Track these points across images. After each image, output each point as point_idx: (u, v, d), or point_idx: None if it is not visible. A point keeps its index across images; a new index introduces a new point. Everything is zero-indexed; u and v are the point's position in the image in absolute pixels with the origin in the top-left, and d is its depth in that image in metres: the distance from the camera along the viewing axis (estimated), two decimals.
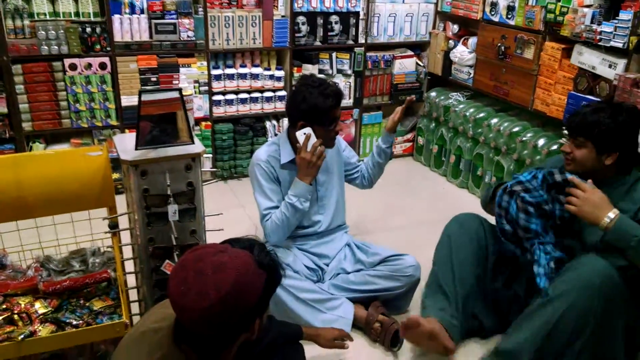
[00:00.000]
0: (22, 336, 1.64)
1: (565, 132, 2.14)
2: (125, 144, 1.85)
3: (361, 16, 3.89)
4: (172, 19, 3.38)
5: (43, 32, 3.13)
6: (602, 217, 1.80)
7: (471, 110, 3.77)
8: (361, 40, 3.96)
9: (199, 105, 3.64)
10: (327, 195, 2.52)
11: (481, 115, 3.69)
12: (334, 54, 3.91)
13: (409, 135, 4.42)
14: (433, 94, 4.15)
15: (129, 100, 3.44)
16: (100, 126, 3.45)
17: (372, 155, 2.63)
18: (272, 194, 2.39)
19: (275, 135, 3.94)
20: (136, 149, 1.75)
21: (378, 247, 2.53)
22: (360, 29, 3.92)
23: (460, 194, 3.85)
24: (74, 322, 1.74)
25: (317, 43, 3.86)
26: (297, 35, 3.74)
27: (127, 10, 3.31)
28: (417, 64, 4.21)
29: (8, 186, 1.89)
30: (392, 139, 2.59)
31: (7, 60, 3.10)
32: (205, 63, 3.56)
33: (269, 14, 3.63)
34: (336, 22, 3.84)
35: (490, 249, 2.25)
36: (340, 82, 3.99)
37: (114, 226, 1.97)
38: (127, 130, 3.51)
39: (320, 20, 3.79)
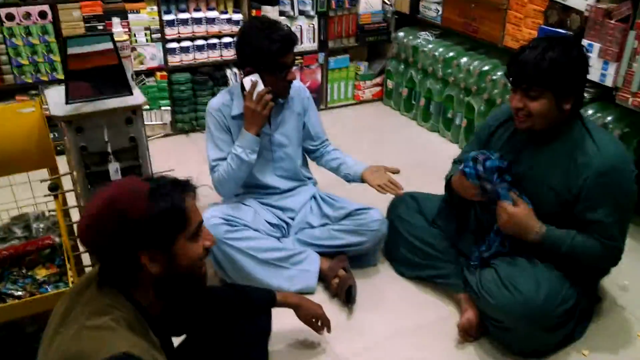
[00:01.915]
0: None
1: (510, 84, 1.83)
2: (59, 98, 1.69)
3: None
4: None
5: None
6: (529, 235, 1.83)
7: (440, 50, 3.61)
8: None
9: (153, 54, 3.43)
10: (285, 157, 2.38)
11: (450, 54, 3.55)
12: None
13: (378, 79, 4.26)
14: (401, 34, 3.97)
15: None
16: (47, 80, 3.21)
17: (338, 169, 2.47)
18: (222, 144, 2.26)
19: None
20: (67, 103, 1.58)
21: (344, 200, 2.42)
22: None
23: (430, 137, 3.75)
24: (16, 294, 1.62)
25: None
26: None
27: None
28: (383, 2, 4.00)
29: None
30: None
31: None
32: (155, 8, 3.32)
33: None
34: None
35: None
36: (303, 24, 3.78)
37: (54, 188, 1.82)
38: None
39: None
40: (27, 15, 3.02)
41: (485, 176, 1.84)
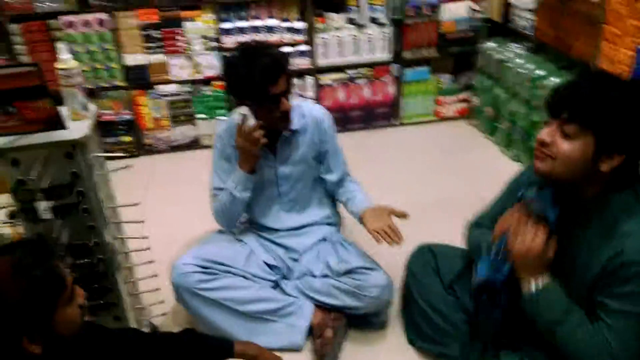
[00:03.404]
0: None
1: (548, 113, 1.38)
2: None
3: None
4: None
5: None
6: (532, 273, 1.40)
7: (528, 66, 3.05)
8: None
9: (209, 64, 3.33)
10: (292, 192, 2.12)
11: (539, 73, 2.97)
12: (363, 0, 3.34)
13: (464, 95, 3.76)
14: (489, 45, 3.44)
15: (133, 59, 3.22)
16: (107, 87, 3.28)
17: (346, 205, 2.16)
18: (222, 173, 2.08)
19: (300, 96, 3.53)
20: None
21: (355, 252, 2.08)
22: None
23: (511, 169, 3.17)
24: None
25: None
26: None
27: None
28: (471, 8, 3.49)
29: None
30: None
31: (3, 19, 2.99)
32: (213, 16, 3.21)
33: None
34: None
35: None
36: (375, 33, 3.43)
37: (13, 216, 1.76)
38: (134, 91, 3.33)
39: None
40: (87, 23, 3.09)
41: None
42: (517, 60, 3.15)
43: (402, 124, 3.77)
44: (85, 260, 1.67)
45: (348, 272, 2.00)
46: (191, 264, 1.95)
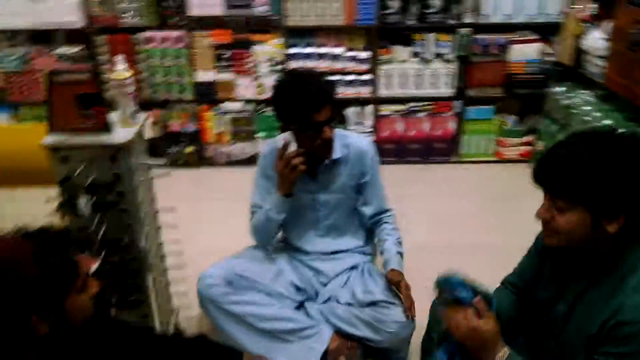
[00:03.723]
0: None
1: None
2: None
3: None
4: None
5: (123, 4, 3.23)
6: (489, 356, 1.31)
7: (596, 114, 2.92)
8: (468, 19, 3.32)
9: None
10: (330, 218, 2.13)
11: (607, 122, 2.83)
12: (431, 35, 3.35)
13: (528, 138, 3.64)
14: (557, 89, 3.33)
15: (203, 75, 3.42)
16: (176, 100, 3.49)
17: (382, 253, 2.15)
18: (262, 190, 2.13)
19: (358, 123, 3.58)
20: (49, 132, 1.64)
21: (381, 283, 2.05)
22: (467, 6, 3.28)
23: None
24: None
25: (411, 22, 3.35)
26: (385, 11, 3.29)
27: None
28: (542, 51, 3.40)
29: None
30: None
31: (92, 31, 3.28)
32: (281, 40, 3.35)
33: None
34: None
35: None
36: (440, 68, 3.43)
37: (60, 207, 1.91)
38: (201, 106, 3.51)
39: None
40: (165, 39, 3.32)
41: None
42: (585, 107, 3.03)
43: (460, 162, 3.71)
44: (118, 256, 1.78)
45: (371, 304, 1.99)
46: (217, 276, 2.01)
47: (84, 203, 1.66)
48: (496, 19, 3.33)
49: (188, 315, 2.13)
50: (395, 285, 1.93)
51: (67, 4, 3.24)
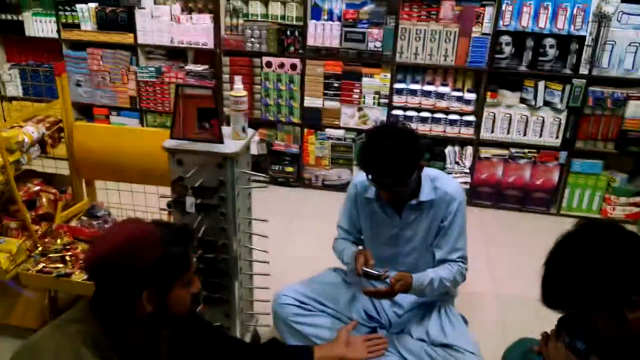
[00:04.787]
0: (58, 274, 1.95)
1: None
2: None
3: (587, 42, 3.17)
4: (362, 28, 3.38)
5: (249, 31, 3.52)
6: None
7: None
8: (583, 70, 3.24)
9: (376, 117, 3.58)
10: (411, 256, 2.15)
11: None
12: (541, 83, 3.30)
13: (637, 198, 3.43)
14: None
15: (311, 101, 3.61)
16: (284, 121, 3.72)
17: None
18: (347, 214, 2.23)
19: (457, 163, 3.58)
20: (170, 138, 1.86)
21: (459, 328, 2.05)
22: (584, 57, 3.21)
23: None
24: None
25: (523, 68, 3.33)
26: (497, 56, 3.30)
27: (325, 17, 3.45)
28: None
29: (110, 152, 2.24)
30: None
31: (220, 52, 3.62)
32: (389, 75, 3.46)
33: (467, 31, 3.29)
34: (551, 46, 3.23)
35: None
36: (547, 116, 3.36)
37: (170, 205, 2.13)
38: (306, 129, 3.71)
39: (530, 42, 3.25)
40: (282, 65, 3.56)
41: None
42: None
43: (560, 214, 3.57)
44: (212, 255, 1.96)
45: (445, 346, 1.99)
46: (290, 296, 2.13)
47: (190, 203, 1.86)
48: (614, 72, 3.21)
49: (266, 322, 2.24)
50: (394, 280, 1.92)
51: (203, 27, 3.61)
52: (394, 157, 1.82)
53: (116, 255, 1.21)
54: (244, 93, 1.92)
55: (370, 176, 1.91)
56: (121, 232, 1.26)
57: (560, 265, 1.23)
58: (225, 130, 1.92)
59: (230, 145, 1.87)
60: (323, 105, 3.62)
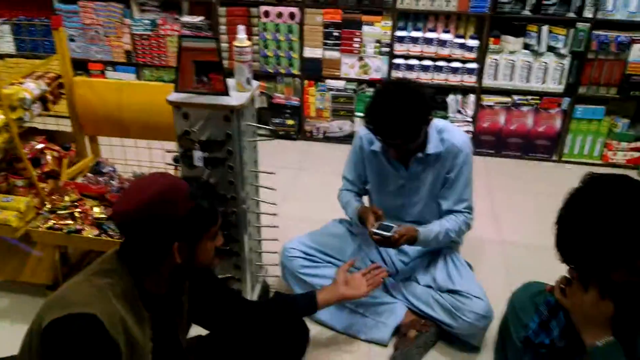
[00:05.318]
0: (69, 230, 1.96)
1: None
2: None
3: None
4: None
5: None
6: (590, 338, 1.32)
7: None
8: (587, 14, 3.18)
9: (378, 67, 3.53)
10: (416, 206, 2.16)
11: None
12: (545, 27, 3.25)
13: (639, 143, 3.44)
14: None
15: (311, 52, 3.55)
16: (283, 73, 3.66)
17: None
18: (352, 166, 2.23)
19: (459, 112, 3.56)
20: (175, 91, 1.83)
21: (465, 274, 2.10)
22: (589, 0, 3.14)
23: None
24: (110, 233, 1.98)
25: (526, 12, 3.26)
26: (500, 0, 3.22)
27: None
28: None
29: (112, 107, 2.21)
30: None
31: (216, 2, 3.52)
32: (390, 23, 3.39)
33: None
34: None
35: None
36: (550, 62, 3.32)
37: (177, 160, 2.12)
38: (306, 81, 3.66)
39: None
40: (280, 15, 3.48)
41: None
42: None
43: (561, 161, 3.58)
44: (221, 209, 1.96)
45: (452, 291, 2.04)
46: (296, 249, 2.16)
47: (198, 157, 1.85)
48: (619, 15, 3.16)
49: (275, 273, 2.28)
50: (398, 237, 1.95)
51: None
52: (403, 119, 1.80)
53: (149, 207, 1.22)
54: (248, 43, 1.88)
55: (378, 136, 1.90)
56: (152, 185, 1.25)
57: (574, 224, 1.22)
58: (231, 81, 1.89)
59: (236, 97, 1.84)
60: (323, 55, 3.55)
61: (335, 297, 1.83)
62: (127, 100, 2.20)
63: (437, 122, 2.03)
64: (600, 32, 3.19)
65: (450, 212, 2.11)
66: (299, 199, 3.04)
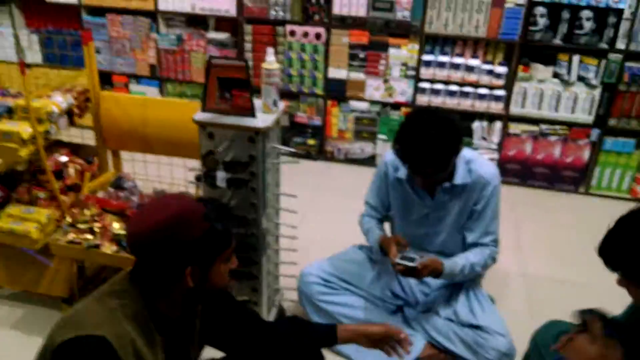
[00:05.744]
0: (88, 245, 1.94)
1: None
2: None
3: (625, 15, 3.04)
4: None
5: None
6: None
7: None
8: (620, 45, 3.11)
9: (403, 90, 3.49)
10: (441, 236, 2.11)
11: None
12: (576, 57, 3.19)
13: None
14: None
15: (335, 72, 3.53)
16: (307, 93, 3.64)
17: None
18: (376, 191, 2.18)
19: (484, 138, 3.50)
20: (202, 110, 1.80)
21: (488, 309, 2.03)
22: (622, 30, 3.08)
23: None
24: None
25: (557, 41, 3.21)
26: (531, 28, 3.18)
27: None
28: None
29: (136, 122, 2.20)
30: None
31: (242, 20, 3.52)
32: (417, 46, 3.36)
33: (500, 1, 3.17)
34: (588, 19, 3.10)
35: None
36: (581, 92, 3.25)
37: (199, 178, 2.09)
38: (329, 101, 3.63)
39: (566, 15, 3.12)
40: (306, 34, 3.47)
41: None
42: None
43: (588, 194, 3.49)
44: (241, 231, 1.93)
45: (473, 326, 1.97)
46: (315, 275, 2.11)
47: (221, 177, 1.82)
48: None
49: (292, 297, 2.23)
50: (422, 268, 1.87)
51: None
52: (436, 148, 1.76)
53: (162, 230, 1.19)
54: (277, 66, 1.86)
55: (407, 165, 1.86)
56: (166, 207, 1.23)
57: (624, 241, 1.25)
58: (256, 103, 1.87)
59: (262, 119, 1.81)
60: (348, 76, 3.53)
61: (361, 336, 1.64)
62: (152, 116, 2.19)
63: (464, 152, 1.98)
64: (633, 64, 3.13)
65: (475, 244, 2.05)
66: (318, 221, 2.99)
